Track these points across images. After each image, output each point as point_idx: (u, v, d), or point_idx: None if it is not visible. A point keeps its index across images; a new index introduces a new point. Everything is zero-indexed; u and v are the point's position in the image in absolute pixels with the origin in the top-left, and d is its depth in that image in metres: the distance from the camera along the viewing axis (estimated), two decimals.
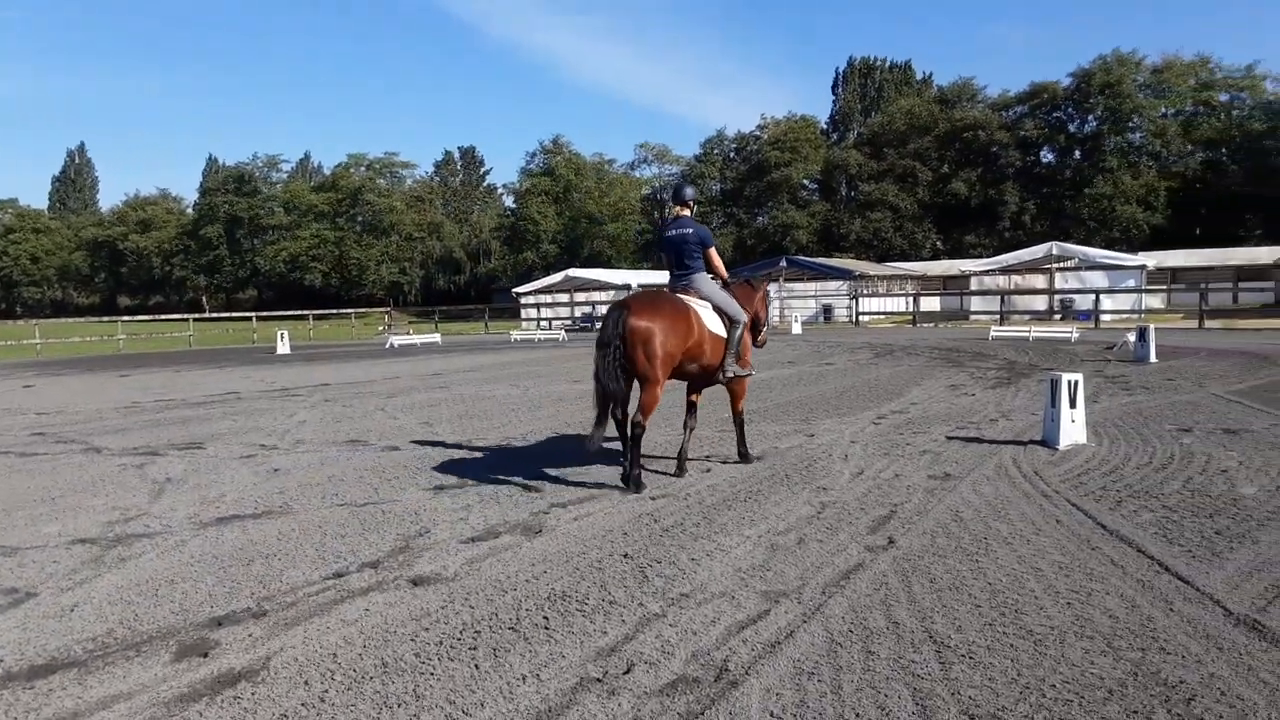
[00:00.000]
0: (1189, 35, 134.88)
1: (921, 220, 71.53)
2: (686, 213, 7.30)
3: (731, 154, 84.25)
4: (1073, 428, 7.89)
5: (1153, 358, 15.74)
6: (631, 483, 6.62)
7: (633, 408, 6.53)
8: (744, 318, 7.32)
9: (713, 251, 7.31)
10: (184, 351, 33.49)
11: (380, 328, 49.81)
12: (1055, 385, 7.87)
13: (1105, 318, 31.47)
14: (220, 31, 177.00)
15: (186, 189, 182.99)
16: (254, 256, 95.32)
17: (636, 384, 6.61)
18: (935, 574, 4.47)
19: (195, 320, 43.67)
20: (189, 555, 5.29)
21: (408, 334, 38.34)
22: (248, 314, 47.51)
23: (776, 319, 40.93)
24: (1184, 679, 3.22)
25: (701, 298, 7.13)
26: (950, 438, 8.48)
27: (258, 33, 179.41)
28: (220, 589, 4.64)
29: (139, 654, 3.81)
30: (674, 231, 7.20)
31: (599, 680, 3.38)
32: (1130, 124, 66.98)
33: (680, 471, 7.14)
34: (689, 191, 7.45)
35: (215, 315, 58.20)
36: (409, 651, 3.72)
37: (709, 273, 7.34)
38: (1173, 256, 52.71)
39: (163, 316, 52.54)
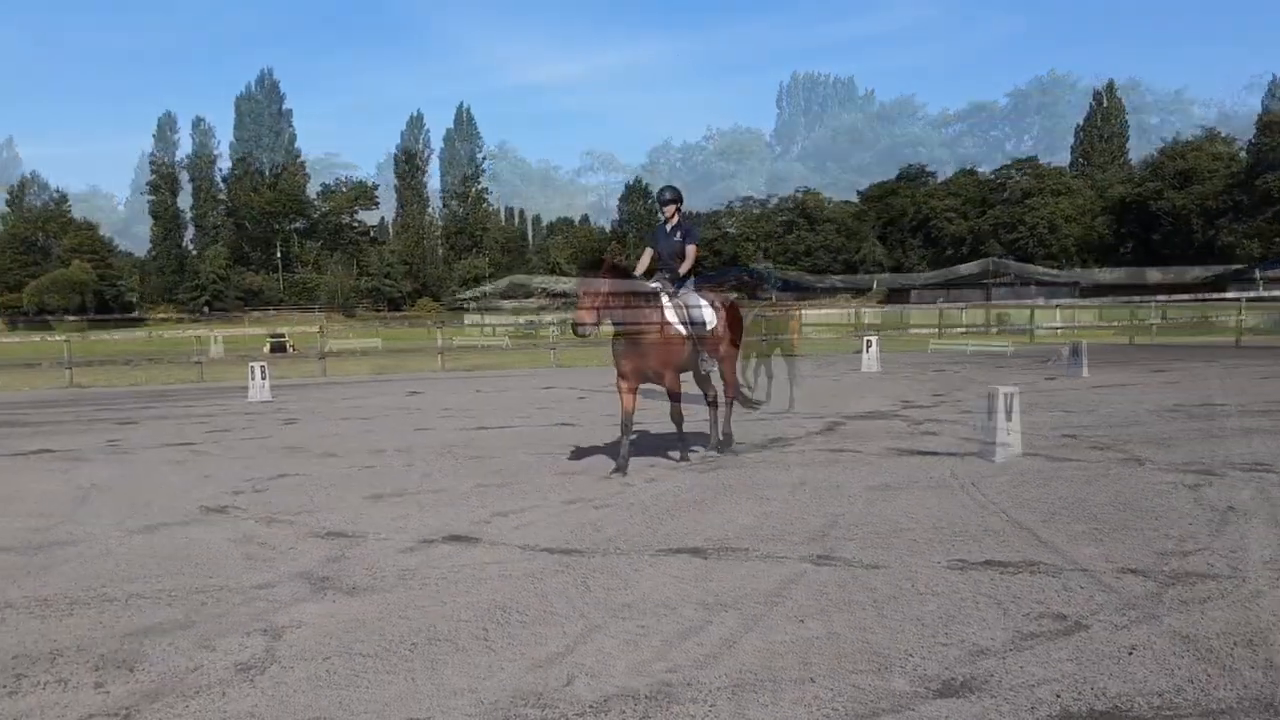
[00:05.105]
0: (1121, 60, 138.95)
1: (865, 234, 72.82)
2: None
3: (678, 163, 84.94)
4: (1009, 440, 8.03)
5: (1085, 372, 16.14)
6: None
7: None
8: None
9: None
10: None
11: None
12: (993, 398, 8.00)
13: (1040, 332, 32.23)
14: None
15: None
16: None
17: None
18: (874, 585, 4.49)
19: None
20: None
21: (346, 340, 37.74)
22: None
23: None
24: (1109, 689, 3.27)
25: None
26: (890, 449, 8.58)
27: None
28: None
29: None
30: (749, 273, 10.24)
31: (538, 694, 3.32)
32: (1065, 144, 68.95)
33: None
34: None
35: None
36: (341, 665, 3.62)
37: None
38: (1104, 273, 54.39)
39: None
